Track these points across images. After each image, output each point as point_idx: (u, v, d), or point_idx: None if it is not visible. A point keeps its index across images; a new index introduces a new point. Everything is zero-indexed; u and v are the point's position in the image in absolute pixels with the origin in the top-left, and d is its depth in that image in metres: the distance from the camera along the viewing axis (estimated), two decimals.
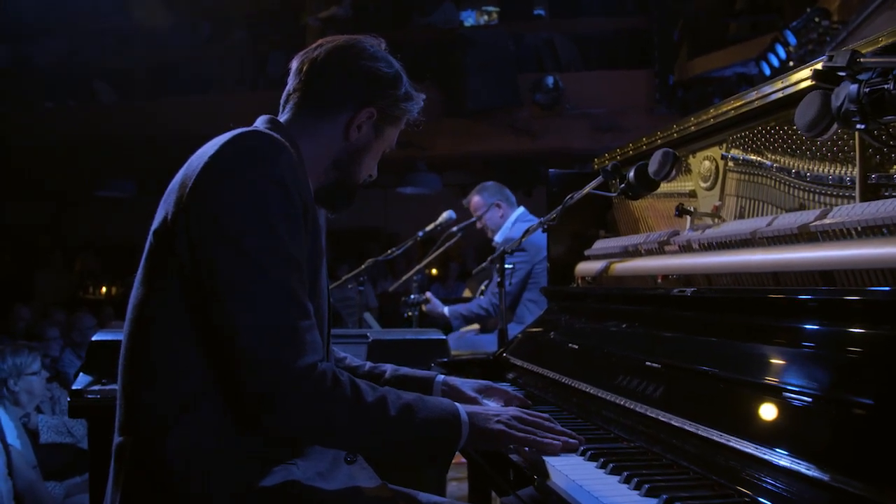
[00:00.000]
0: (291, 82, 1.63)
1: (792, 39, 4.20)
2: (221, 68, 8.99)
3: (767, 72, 4.69)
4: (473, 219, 4.45)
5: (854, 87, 1.18)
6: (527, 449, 1.44)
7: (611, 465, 1.34)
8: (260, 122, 1.57)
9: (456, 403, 1.46)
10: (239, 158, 1.39)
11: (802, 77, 1.64)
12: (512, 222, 4.40)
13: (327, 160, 1.62)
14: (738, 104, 1.87)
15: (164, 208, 1.42)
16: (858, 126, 1.20)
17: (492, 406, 1.55)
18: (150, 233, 1.43)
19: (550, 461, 1.39)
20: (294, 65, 1.63)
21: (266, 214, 1.34)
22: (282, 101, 1.64)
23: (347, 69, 1.60)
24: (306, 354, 1.31)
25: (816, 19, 4.04)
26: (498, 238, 4.43)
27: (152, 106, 8.91)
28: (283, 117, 1.62)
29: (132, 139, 8.85)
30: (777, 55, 4.46)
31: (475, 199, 4.52)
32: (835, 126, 1.37)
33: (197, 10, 8.50)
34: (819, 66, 1.22)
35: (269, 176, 1.37)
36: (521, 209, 4.50)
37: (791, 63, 4.48)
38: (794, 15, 4.55)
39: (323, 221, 1.69)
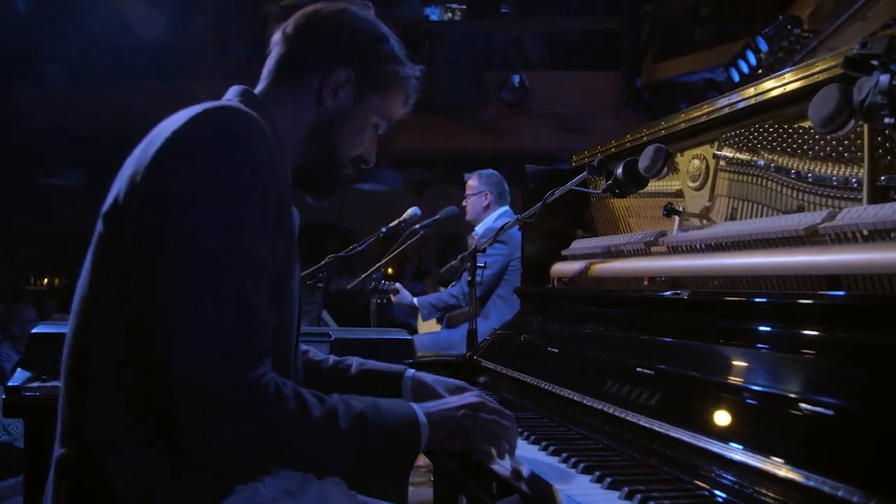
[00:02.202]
0: (271, 50, 1.48)
1: (764, 46, 4.18)
2: (179, 55, 8.73)
3: (737, 78, 4.68)
4: (437, 216, 4.35)
5: (885, 77, 1.09)
6: (493, 450, 1.35)
7: (608, 479, 1.23)
8: (232, 94, 1.41)
9: (412, 404, 1.31)
10: (205, 137, 1.20)
11: (803, 74, 1.57)
12: (495, 218, 4.35)
13: (301, 131, 1.45)
14: (733, 101, 1.80)
15: (117, 187, 1.23)
16: (887, 120, 1.11)
17: (450, 400, 1.39)
18: (100, 216, 1.24)
19: (546, 477, 1.28)
20: (277, 33, 1.48)
21: (230, 205, 1.16)
22: (262, 72, 1.49)
23: (322, 26, 1.45)
24: (251, 370, 1.13)
25: (789, 27, 4.02)
26: (479, 230, 4.40)
27: (105, 92, 8.59)
28: (258, 87, 1.46)
29: (83, 126, 8.52)
30: (748, 62, 4.45)
31: (472, 181, 4.54)
32: (852, 121, 1.29)
33: None
34: (849, 53, 1.13)
35: (238, 161, 1.18)
36: (506, 207, 4.44)
37: (760, 70, 4.47)
38: (765, 23, 4.54)
39: (297, 219, 1.51)
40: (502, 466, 1.39)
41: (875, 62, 1.09)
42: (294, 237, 1.41)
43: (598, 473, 1.26)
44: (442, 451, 1.38)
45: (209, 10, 9.20)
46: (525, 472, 1.33)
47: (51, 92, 9.24)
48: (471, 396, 1.39)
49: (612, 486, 1.21)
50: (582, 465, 1.33)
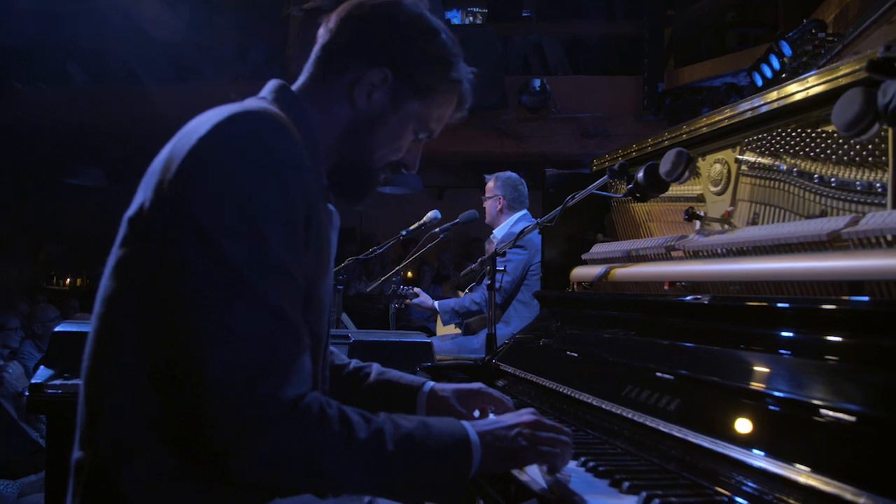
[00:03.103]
0: (316, 42, 1.42)
1: (787, 50, 4.13)
2: (201, 57, 8.78)
3: (760, 82, 4.63)
4: (457, 220, 4.35)
5: None
6: (545, 468, 1.28)
7: (626, 483, 1.23)
8: (267, 89, 1.37)
9: (465, 423, 1.25)
10: (231, 145, 1.16)
11: (827, 78, 1.56)
12: (513, 222, 4.33)
13: (335, 132, 1.39)
14: (755, 105, 1.78)
15: (143, 193, 1.20)
16: None
17: (504, 418, 1.32)
18: (125, 220, 1.22)
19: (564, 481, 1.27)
20: (322, 25, 1.42)
21: (256, 215, 1.13)
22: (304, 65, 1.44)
23: (363, 21, 1.37)
24: (289, 386, 1.10)
25: (813, 31, 3.98)
26: (497, 233, 4.38)
27: (127, 92, 8.65)
28: (298, 81, 1.41)
29: (105, 126, 8.60)
30: (771, 66, 4.41)
31: (489, 183, 4.52)
32: (877, 125, 1.27)
33: None
34: (874, 56, 1.12)
35: (264, 170, 1.15)
36: (524, 211, 4.42)
37: (784, 75, 4.43)
38: (788, 27, 4.50)
39: (337, 220, 1.47)
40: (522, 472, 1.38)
41: None
42: (327, 242, 1.37)
43: (616, 477, 1.26)
44: (494, 472, 1.29)
45: (230, 10, 9.25)
46: (542, 477, 1.32)
47: (73, 92, 9.33)
48: (526, 414, 1.31)
49: (630, 491, 1.21)
50: (600, 468, 1.32)
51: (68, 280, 11.28)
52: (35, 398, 2.54)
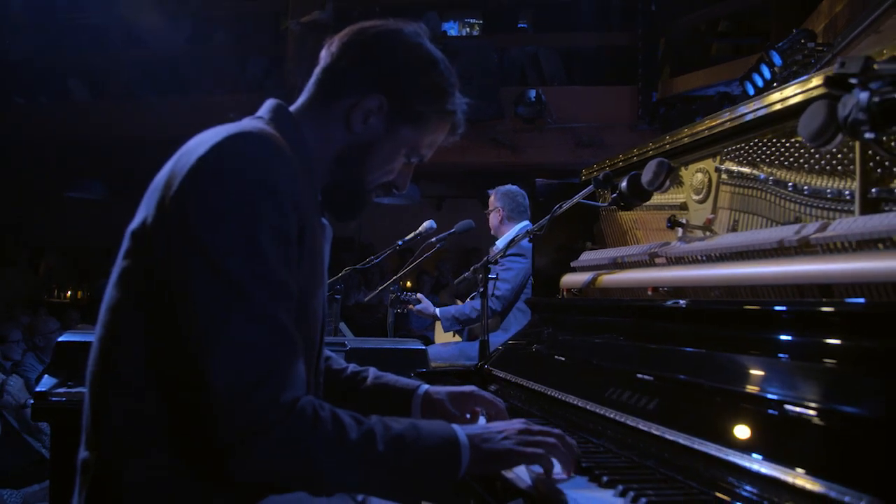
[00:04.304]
0: (319, 62, 1.48)
1: (777, 60, 4.19)
2: (200, 70, 8.86)
3: (751, 91, 4.68)
4: (453, 230, 4.42)
5: (864, 95, 1.15)
6: (537, 468, 1.33)
7: (605, 478, 1.29)
8: (265, 109, 1.43)
9: (454, 426, 1.30)
10: (229, 165, 1.23)
11: (800, 89, 1.62)
12: (515, 233, 4.39)
13: (330, 152, 1.44)
14: (734, 115, 1.85)
15: (146, 209, 1.27)
16: (867, 135, 1.16)
17: (494, 424, 1.38)
18: (128, 233, 1.29)
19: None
20: (325, 47, 1.48)
21: (254, 232, 1.19)
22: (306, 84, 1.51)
23: (364, 47, 1.43)
24: (285, 391, 1.17)
25: (802, 41, 4.04)
26: (500, 245, 4.43)
27: (128, 106, 8.73)
28: (296, 103, 1.47)
29: (105, 139, 8.68)
30: (762, 75, 4.47)
31: (491, 197, 4.63)
32: (840, 136, 1.34)
33: (177, 10, 8.39)
34: (830, 73, 1.19)
35: (261, 188, 1.21)
36: (525, 222, 4.49)
37: (775, 84, 4.49)
38: (780, 37, 4.56)
39: (329, 233, 1.55)
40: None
41: (854, 81, 1.14)
42: (321, 257, 1.43)
43: (596, 473, 1.32)
44: (483, 473, 1.35)
45: (230, 24, 9.35)
46: (528, 475, 1.38)
47: (74, 105, 9.42)
48: (517, 423, 1.37)
49: (608, 485, 1.27)
50: (583, 465, 1.37)
51: (69, 292, 11.32)
52: (39, 406, 2.61)
